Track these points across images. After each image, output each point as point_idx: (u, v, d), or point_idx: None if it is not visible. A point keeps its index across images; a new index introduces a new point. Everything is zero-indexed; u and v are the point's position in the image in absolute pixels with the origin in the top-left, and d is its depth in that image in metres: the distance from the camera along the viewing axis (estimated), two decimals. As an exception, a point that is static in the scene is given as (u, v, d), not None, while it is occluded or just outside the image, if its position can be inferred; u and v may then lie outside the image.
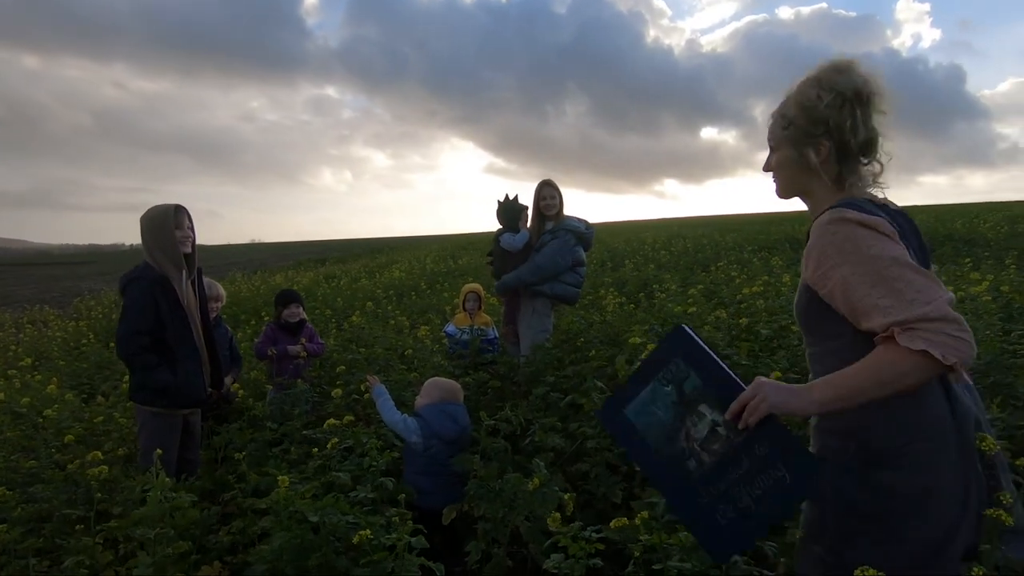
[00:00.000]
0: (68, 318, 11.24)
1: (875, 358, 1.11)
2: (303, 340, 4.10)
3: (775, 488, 1.08)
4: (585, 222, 4.20)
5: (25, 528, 2.40)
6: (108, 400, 4.35)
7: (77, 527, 2.23)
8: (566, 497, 2.11)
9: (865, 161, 1.31)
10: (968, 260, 6.95)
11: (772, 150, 1.41)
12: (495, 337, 4.55)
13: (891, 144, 1.32)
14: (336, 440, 2.14)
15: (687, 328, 1.23)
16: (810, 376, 1.30)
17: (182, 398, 2.92)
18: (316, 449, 2.27)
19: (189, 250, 3.04)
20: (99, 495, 2.90)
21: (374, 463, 2.13)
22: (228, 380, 3.45)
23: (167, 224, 2.93)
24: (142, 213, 3.00)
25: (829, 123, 1.28)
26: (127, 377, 4.85)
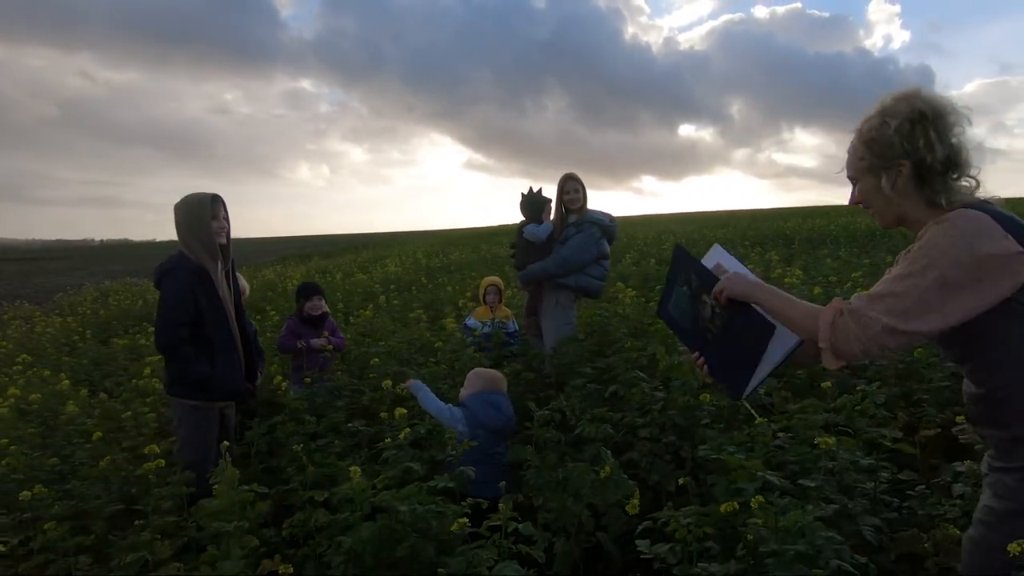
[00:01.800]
0: (51, 314, 10.91)
1: (817, 307, 1.32)
2: (325, 333, 4.04)
3: (750, 349, 1.45)
4: (609, 215, 4.21)
5: (73, 525, 2.33)
6: (119, 397, 4.24)
7: (136, 522, 2.16)
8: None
9: (955, 177, 1.32)
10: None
11: (854, 183, 1.44)
12: (516, 330, 4.54)
13: (978, 163, 1.33)
14: (408, 430, 2.12)
15: (681, 247, 1.70)
16: (978, 393, 1.30)
17: (221, 391, 2.86)
18: (388, 439, 2.24)
19: (224, 241, 2.98)
20: (134, 491, 2.84)
21: (453, 452, 2.11)
22: (259, 374, 3.39)
23: (204, 214, 2.86)
24: (177, 202, 2.93)
25: (903, 145, 1.31)
26: (133, 371, 4.78)
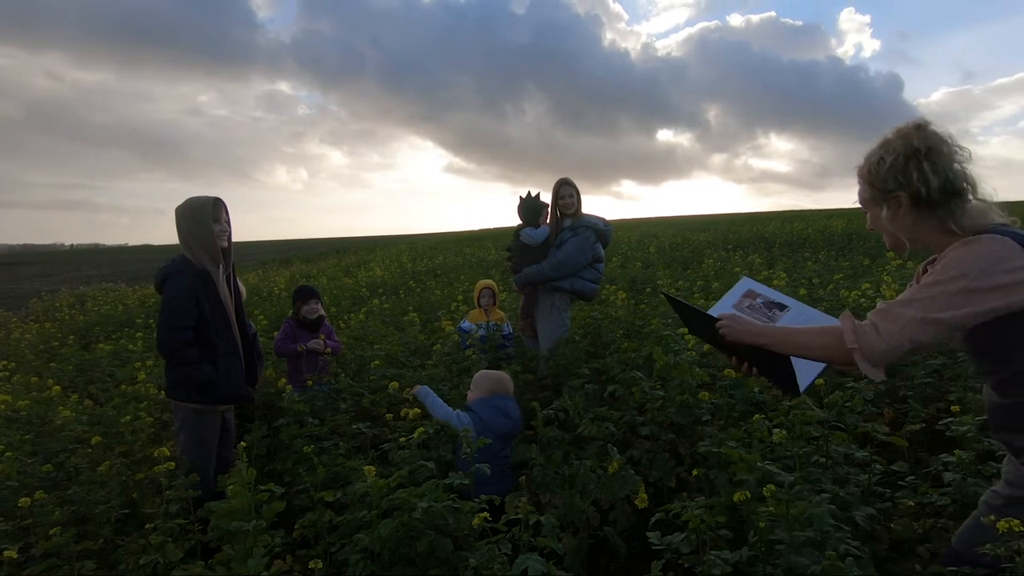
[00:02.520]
0: (27, 321, 10.64)
1: (824, 327, 1.42)
2: (322, 336, 4.04)
3: (783, 362, 1.51)
4: (603, 219, 4.29)
5: (78, 531, 2.31)
6: (108, 402, 4.18)
7: (147, 525, 2.16)
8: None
9: (959, 203, 1.40)
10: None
11: (865, 211, 1.55)
12: (510, 332, 4.60)
13: (988, 183, 1.41)
14: (423, 429, 2.15)
15: (668, 295, 1.80)
16: (1002, 403, 1.38)
17: (224, 394, 2.86)
18: (404, 438, 2.27)
19: (226, 244, 2.98)
20: (135, 495, 2.82)
21: (467, 450, 2.15)
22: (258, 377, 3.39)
23: (205, 217, 2.87)
24: (179, 205, 2.92)
25: (897, 179, 1.42)
26: (120, 377, 4.70)
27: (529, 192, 4.40)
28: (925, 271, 1.46)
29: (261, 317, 6.43)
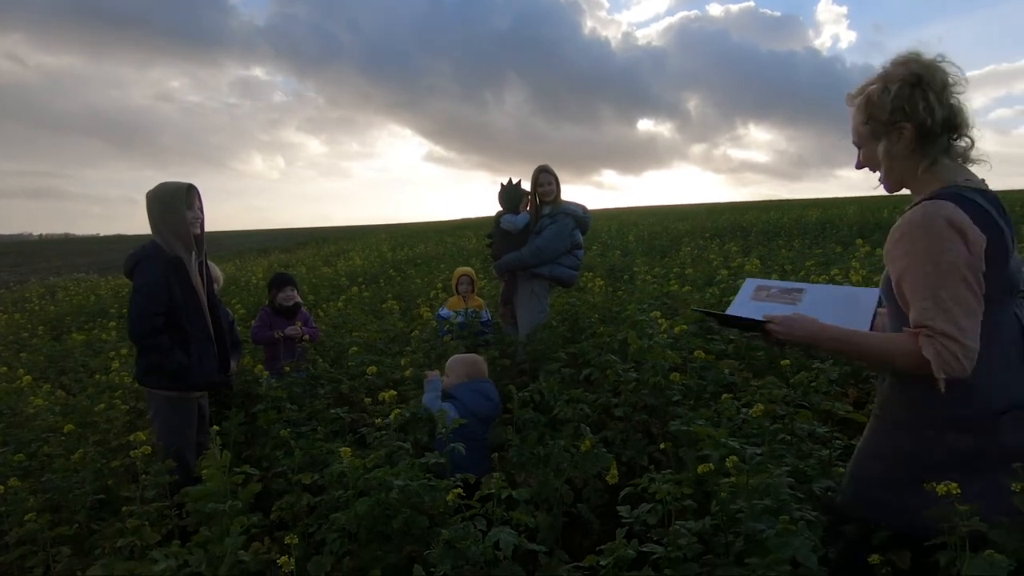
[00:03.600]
0: (-4, 311, 10.38)
1: (894, 340, 1.35)
2: (299, 323, 4.03)
3: None
4: (583, 206, 4.34)
5: (52, 518, 2.30)
6: (82, 392, 4.13)
7: (124, 509, 2.16)
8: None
9: (955, 137, 1.38)
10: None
11: (859, 148, 1.48)
12: (489, 319, 4.63)
13: (974, 119, 1.38)
14: (398, 412, 2.18)
15: (699, 311, 1.88)
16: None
17: (197, 381, 2.86)
18: (380, 419, 2.30)
19: (199, 231, 2.96)
20: (110, 482, 2.81)
21: (443, 430, 2.19)
22: (232, 365, 3.38)
23: (178, 204, 2.84)
24: (150, 190, 2.89)
25: (904, 108, 1.36)
26: (93, 367, 4.63)
27: (510, 179, 4.42)
28: None
29: (239, 306, 6.37)
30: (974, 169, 1.42)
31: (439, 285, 6.73)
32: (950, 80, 1.37)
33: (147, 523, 2.10)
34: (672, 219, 19.52)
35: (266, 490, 2.58)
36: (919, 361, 1.29)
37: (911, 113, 1.36)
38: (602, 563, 1.37)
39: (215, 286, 3.71)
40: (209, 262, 3.61)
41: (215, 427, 2.28)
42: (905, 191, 1.48)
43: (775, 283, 1.75)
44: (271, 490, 2.52)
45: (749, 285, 1.78)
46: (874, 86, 1.41)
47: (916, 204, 1.37)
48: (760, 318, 1.49)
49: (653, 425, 2.85)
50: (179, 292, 2.83)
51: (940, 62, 1.38)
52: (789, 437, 2.47)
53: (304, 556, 2.03)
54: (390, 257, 13.52)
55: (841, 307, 1.56)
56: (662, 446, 2.15)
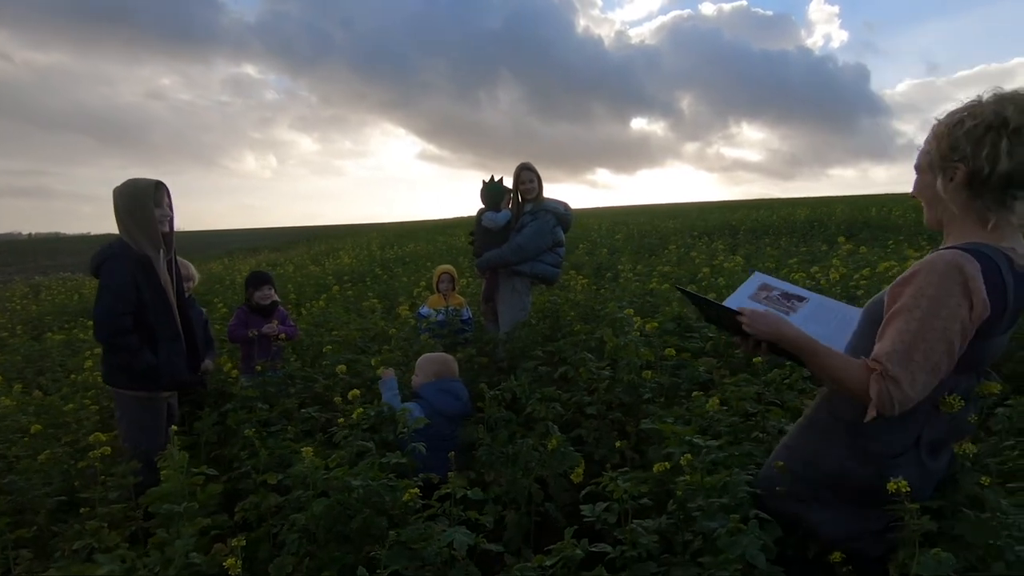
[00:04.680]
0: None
1: (851, 365, 1.32)
2: (275, 322, 4.00)
3: None
4: (564, 204, 4.32)
5: (12, 519, 2.26)
6: (57, 392, 4.08)
7: (83, 510, 2.13)
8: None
9: (1014, 196, 1.26)
10: (891, 243, 7.65)
11: (917, 172, 1.39)
12: (470, 317, 4.61)
13: None
14: (362, 410, 2.15)
15: (681, 288, 1.78)
16: None
17: (167, 381, 2.81)
18: (342, 419, 2.27)
19: (167, 229, 2.92)
20: (76, 483, 2.76)
21: (404, 430, 2.17)
22: (207, 364, 3.34)
23: (146, 201, 2.80)
24: (117, 187, 2.84)
25: (967, 149, 1.25)
26: (71, 367, 4.57)
27: (492, 176, 4.40)
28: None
29: (221, 305, 6.32)
30: None
31: (423, 283, 6.70)
32: None
33: (106, 525, 2.06)
34: (662, 217, 19.56)
35: (237, 491, 2.55)
36: (864, 391, 1.29)
37: (971, 156, 1.26)
38: (547, 563, 1.35)
39: (190, 284, 3.67)
40: (183, 260, 3.57)
41: (174, 427, 2.25)
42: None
43: (781, 284, 1.70)
44: (240, 490, 2.49)
45: (754, 281, 1.72)
46: (960, 115, 1.29)
47: (946, 248, 1.30)
48: (734, 308, 1.47)
49: (627, 423, 2.84)
50: (147, 291, 2.78)
51: None
52: (762, 435, 2.47)
53: (268, 557, 2.01)
54: (379, 256, 13.46)
55: (833, 322, 1.54)
56: (617, 444, 2.14)
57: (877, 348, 1.31)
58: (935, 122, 1.34)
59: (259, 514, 2.24)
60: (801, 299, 1.64)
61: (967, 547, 1.29)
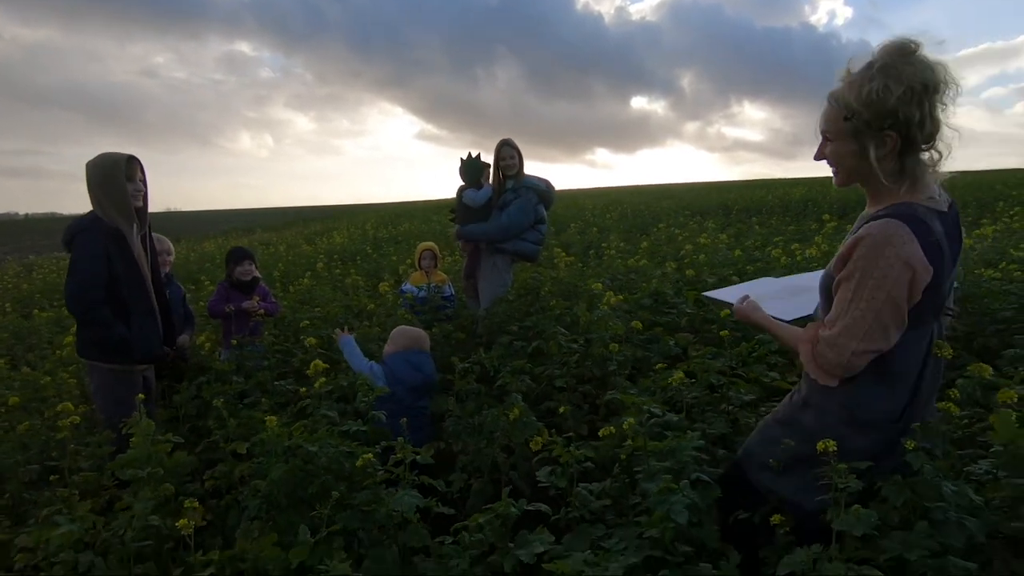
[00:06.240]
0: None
1: (796, 336, 1.46)
2: (256, 298, 4.01)
3: None
4: (546, 180, 4.31)
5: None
6: (41, 368, 4.12)
7: (52, 478, 2.17)
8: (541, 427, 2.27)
9: (925, 148, 1.28)
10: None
11: (827, 139, 1.35)
12: (452, 294, 4.64)
13: (951, 131, 1.27)
14: (324, 380, 2.19)
15: (706, 295, 1.98)
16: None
17: (140, 354, 2.84)
18: (304, 389, 2.30)
19: (140, 204, 2.92)
20: (55, 454, 2.81)
21: (365, 399, 2.20)
22: (184, 339, 3.37)
23: (118, 174, 2.79)
24: (90, 160, 2.84)
25: (898, 116, 1.23)
26: (58, 344, 4.61)
27: (470, 153, 4.38)
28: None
29: (207, 283, 6.35)
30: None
31: (408, 261, 6.72)
32: (949, 92, 1.25)
33: (76, 493, 2.10)
34: (658, 197, 19.49)
35: (210, 461, 2.60)
36: (808, 359, 1.40)
37: (904, 122, 1.24)
38: (481, 520, 1.40)
39: (168, 258, 3.68)
40: (160, 235, 3.57)
41: (140, 396, 2.28)
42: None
43: (783, 280, 1.93)
44: (214, 459, 2.53)
45: (762, 280, 2.00)
46: (874, 83, 1.24)
47: (878, 218, 1.31)
48: (732, 302, 1.67)
49: (597, 396, 2.88)
50: (120, 264, 2.80)
51: (944, 69, 1.24)
52: (729, 407, 2.51)
53: (237, 524, 2.06)
54: (371, 235, 13.44)
55: (804, 293, 1.68)
56: (561, 409, 2.20)
57: (829, 314, 1.38)
58: (837, 88, 1.32)
59: (229, 482, 2.29)
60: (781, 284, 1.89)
61: (894, 509, 1.33)
